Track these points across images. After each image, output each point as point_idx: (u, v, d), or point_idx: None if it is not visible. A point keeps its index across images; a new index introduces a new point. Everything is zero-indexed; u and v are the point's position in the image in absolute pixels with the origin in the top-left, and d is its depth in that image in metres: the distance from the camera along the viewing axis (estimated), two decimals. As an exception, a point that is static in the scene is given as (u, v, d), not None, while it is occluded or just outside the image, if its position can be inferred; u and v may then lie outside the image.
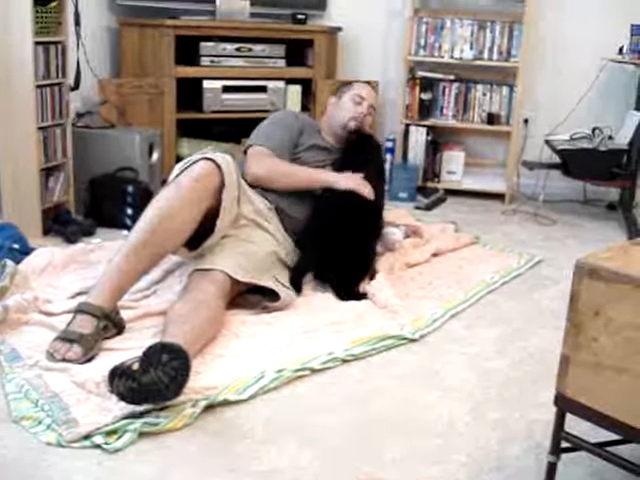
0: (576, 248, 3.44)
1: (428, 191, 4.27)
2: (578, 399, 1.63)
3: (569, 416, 1.61)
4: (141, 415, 1.76)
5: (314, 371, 2.08)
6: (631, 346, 1.52)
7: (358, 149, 2.90)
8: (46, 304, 2.33)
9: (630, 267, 1.55)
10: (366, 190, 2.72)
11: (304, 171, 2.77)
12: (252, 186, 2.65)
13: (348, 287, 2.62)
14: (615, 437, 1.58)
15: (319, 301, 2.57)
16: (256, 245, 2.47)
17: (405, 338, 2.33)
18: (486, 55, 4.31)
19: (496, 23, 4.26)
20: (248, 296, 2.47)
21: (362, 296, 2.61)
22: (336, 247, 2.62)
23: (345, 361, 2.16)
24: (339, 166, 2.85)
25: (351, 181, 2.72)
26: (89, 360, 1.99)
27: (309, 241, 2.67)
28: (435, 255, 3.16)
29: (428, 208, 4.07)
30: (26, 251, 2.74)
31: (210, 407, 1.84)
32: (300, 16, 4.27)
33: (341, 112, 2.99)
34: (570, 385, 1.64)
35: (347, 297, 2.58)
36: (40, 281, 2.54)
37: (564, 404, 1.67)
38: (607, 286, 1.54)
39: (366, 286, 2.65)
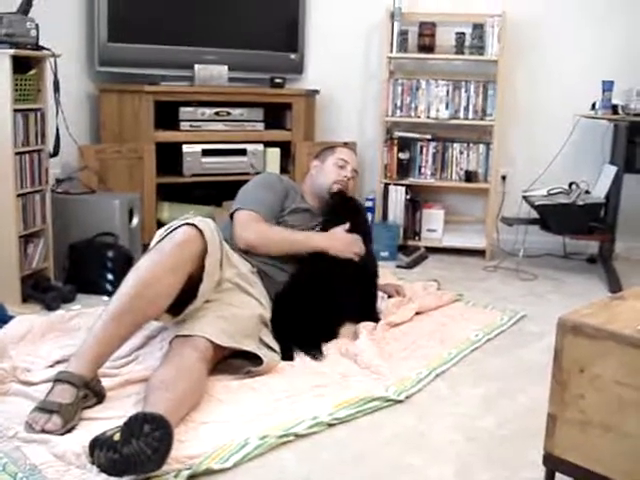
0: (558, 303, 3.45)
1: (409, 249, 4.28)
2: (567, 458, 1.61)
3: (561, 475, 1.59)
4: (123, 487, 1.72)
5: (299, 436, 2.05)
6: (618, 402, 1.51)
7: (341, 213, 2.93)
8: (25, 373, 2.29)
9: (613, 323, 1.55)
10: (355, 253, 2.82)
11: (296, 236, 2.80)
12: (235, 249, 2.66)
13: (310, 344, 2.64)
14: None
15: (303, 363, 2.55)
16: (239, 309, 2.45)
17: (390, 399, 2.30)
18: (462, 114, 4.38)
19: (470, 83, 4.35)
20: (231, 360, 2.44)
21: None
22: (311, 311, 2.65)
23: (330, 425, 2.13)
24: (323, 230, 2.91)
25: (342, 245, 2.80)
26: (69, 431, 1.95)
27: (286, 306, 2.67)
28: (418, 314, 3.14)
29: (410, 266, 4.08)
30: (4, 319, 2.71)
31: (193, 477, 1.80)
32: (278, 80, 4.34)
33: (325, 176, 3.04)
34: (558, 444, 1.62)
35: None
36: (19, 350, 2.50)
37: (553, 463, 1.65)
38: (591, 342, 1.54)
39: (349, 347, 2.64)
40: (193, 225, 2.30)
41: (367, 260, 2.92)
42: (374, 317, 2.96)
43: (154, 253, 2.27)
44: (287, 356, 2.55)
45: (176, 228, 2.31)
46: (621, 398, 1.50)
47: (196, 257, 2.28)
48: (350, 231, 2.85)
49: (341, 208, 2.94)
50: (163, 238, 2.31)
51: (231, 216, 2.85)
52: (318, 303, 2.67)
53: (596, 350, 1.53)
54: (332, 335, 2.76)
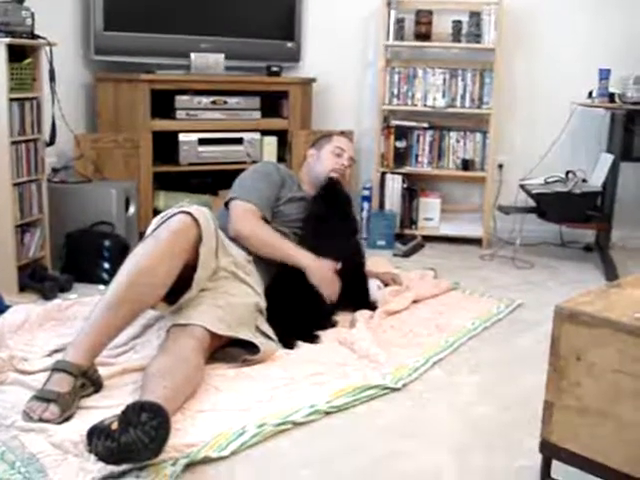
0: (555, 291, 3.46)
1: (406, 238, 4.28)
2: (563, 445, 1.61)
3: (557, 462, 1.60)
4: (121, 475, 1.71)
5: (296, 424, 2.05)
6: (615, 390, 1.51)
7: (329, 201, 2.91)
8: (22, 362, 2.29)
9: (610, 311, 1.55)
10: (329, 292, 2.73)
11: (285, 246, 2.76)
12: (231, 238, 2.66)
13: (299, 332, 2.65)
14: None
15: (300, 351, 2.55)
16: (235, 297, 2.44)
17: (387, 388, 2.30)
18: (459, 102, 4.37)
19: (467, 71, 4.33)
20: (228, 349, 2.44)
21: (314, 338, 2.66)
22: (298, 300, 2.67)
23: (328, 413, 2.13)
24: (309, 223, 2.89)
25: (323, 279, 2.71)
26: (67, 419, 1.95)
27: (276, 296, 2.67)
28: (415, 302, 3.15)
29: (406, 255, 4.08)
30: (1, 309, 2.70)
31: (191, 465, 1.80)
32: (274, 68, 4.32)
33: (322, 164, 3.03)
34: (555, 431, 1.63)
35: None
36: (16, 339, 2.50)
37: (549, 451, 1.66)
38: (588, 330, 1.54)
39: (346, 335, 2.64)
40: (188, 213, 2.30)
41: (354, 251, 2.95)
42: (368, 302, 2.97)
43: (150, 241, 2.26)
44: (288, 344, 2.57)
45: (172, 216, 2.31)
46: (618, 386, 1.50)
47: (192, 245, 2.28)
48: (339, 274, 2.75)
49: (329, 196, 2.92)
50: (159, 226, 2.30)
51: (226, 204, 2.84)
52: (307, 292, 2.67)
53: (593, 338, 1.53)
54: (325, 323, 2.77)
